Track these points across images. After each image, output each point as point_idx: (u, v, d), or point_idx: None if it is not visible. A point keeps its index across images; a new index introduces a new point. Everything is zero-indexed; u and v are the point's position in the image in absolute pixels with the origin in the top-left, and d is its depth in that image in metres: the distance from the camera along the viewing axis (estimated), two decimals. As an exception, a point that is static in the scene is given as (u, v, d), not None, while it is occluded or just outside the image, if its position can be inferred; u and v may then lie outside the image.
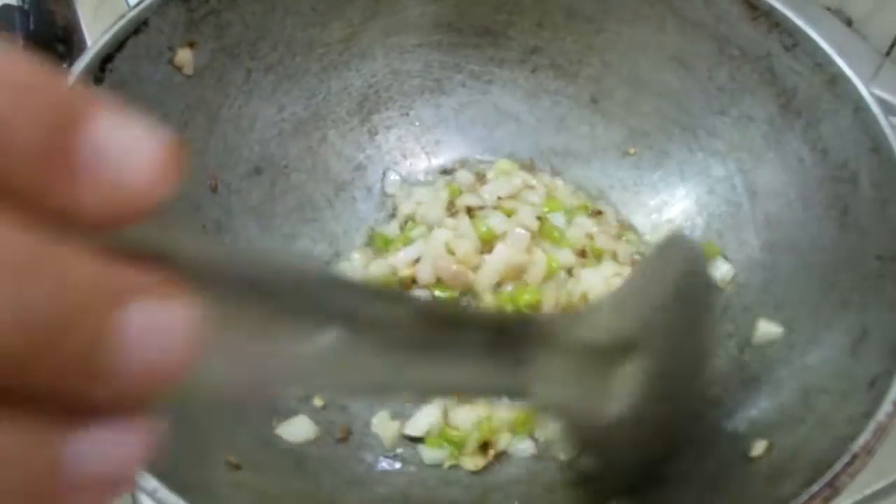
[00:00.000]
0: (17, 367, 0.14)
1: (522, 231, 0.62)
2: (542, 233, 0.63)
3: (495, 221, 0.63)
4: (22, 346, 0.14)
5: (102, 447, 0.16)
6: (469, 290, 0.62)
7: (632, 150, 0.69)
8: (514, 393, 0.33)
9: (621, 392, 0.39)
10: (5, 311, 0.14)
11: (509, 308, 0.61)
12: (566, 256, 0.62)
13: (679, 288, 0.43)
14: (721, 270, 0.61)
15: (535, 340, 0.33)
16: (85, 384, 0.16)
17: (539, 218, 0.63)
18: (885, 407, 0.43)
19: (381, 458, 0.57)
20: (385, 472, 0.56)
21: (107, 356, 0.15)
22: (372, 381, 0.27)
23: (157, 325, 0.16)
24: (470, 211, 0.64)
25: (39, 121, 0.15)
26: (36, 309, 0.14)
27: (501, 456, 0.57)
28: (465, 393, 0.39)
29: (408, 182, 0.71)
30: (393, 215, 0.69)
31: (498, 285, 0.61)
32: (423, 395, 0.41)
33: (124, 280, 0.16)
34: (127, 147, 0.16)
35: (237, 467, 0.49)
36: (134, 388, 0.16)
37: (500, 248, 0.62)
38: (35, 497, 0.15)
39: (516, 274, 0.62)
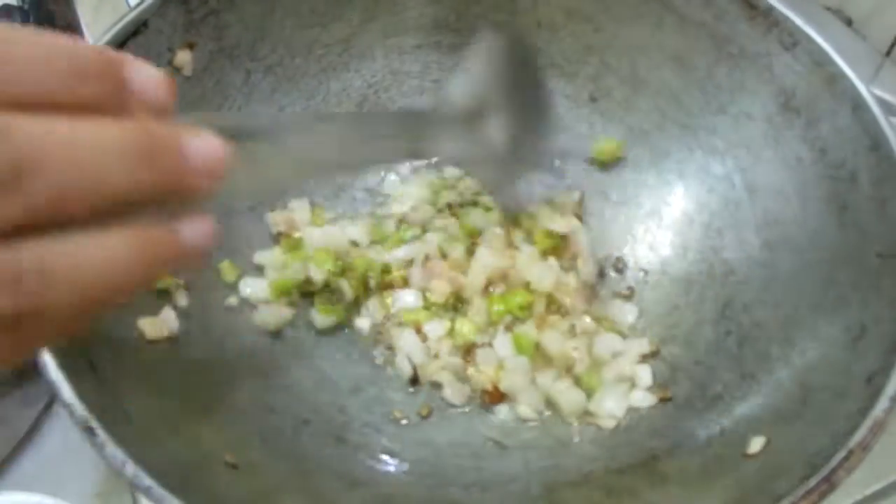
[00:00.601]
0: (154, 180, 0.28)
1: (497, 230, 0.64)
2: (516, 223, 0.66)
3: (475, 218, 0.66)
4: (151, 169, 0.28)
5: (193, 228, 0.30)
6: (460, 294, 0.63)
7: (620, 154, 0.69)
8: (420, 153, 0.58)
9: (495, 135, 0.58)
10: (144, 161, 0.28)
11: (503, 309, 0.62)
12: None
13: (510, 64, 0.59)
14: None
15: (428, 122, 0.55)
16: (177, 180, 0.29)
17: None
18: (882, 403, 0.43)
19: (381, 458, 0.57)
20: (385, 472, 0.56)
21: (183, 162, 0.29)
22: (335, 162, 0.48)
23: (203, 146, 0.30)
24: (451, 208, 0.66)
25: (98, 67, 0.28)
26: (149, 151, 0.28)
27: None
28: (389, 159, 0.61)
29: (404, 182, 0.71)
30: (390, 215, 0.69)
31: (487, 287, 0.63)
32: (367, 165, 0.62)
33: (182, 131, 0.30)
34: (147, 78, 0.29)
35: (234, 467, 0.49)
36: (198, 181, 0.29)
37: (482, 252, 0.63)
38: (163, 260, 0.30)
39: (502, 275, 0.63)
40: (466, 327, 0.62)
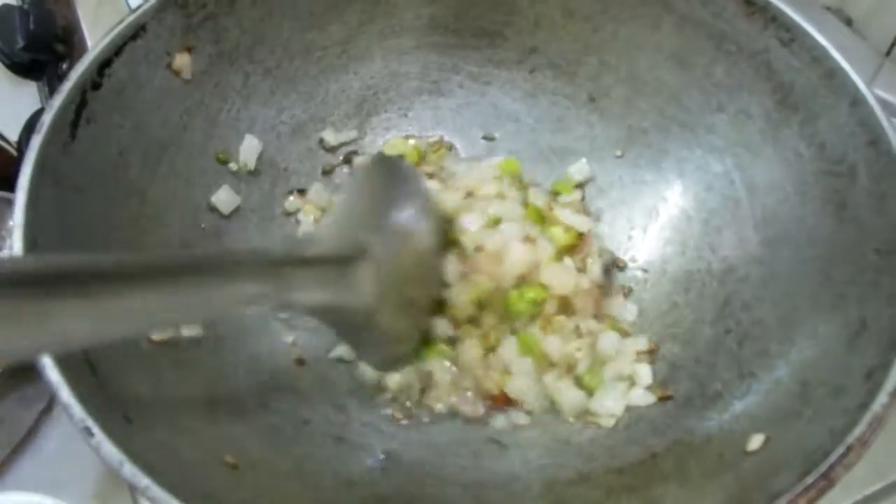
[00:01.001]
0: None
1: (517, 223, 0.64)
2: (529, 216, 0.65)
3: (496, 207, 0.64)
4: None
5: None
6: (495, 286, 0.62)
7: (618, 153, 0.69)
8: (282, 306, 0.49)
9: (368, 285, 0.50)
10: None
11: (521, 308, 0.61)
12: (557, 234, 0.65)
13: (390, 196, 0.54)
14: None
15: (280, 268, 0.45)
16: None
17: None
18: (881, 398, 0.43)
19: (381, 458, 0.57)
20: (385, 471, 0.56)
21: None
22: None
23: None
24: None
25: None
26: None
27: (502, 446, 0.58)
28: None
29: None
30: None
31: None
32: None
33: None
34: None
35: (234, 467, 0.49)
36: None
37: (517, 248, 0.62)
38: None
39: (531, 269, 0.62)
40: (473, 351, 0.61)
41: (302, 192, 0.68)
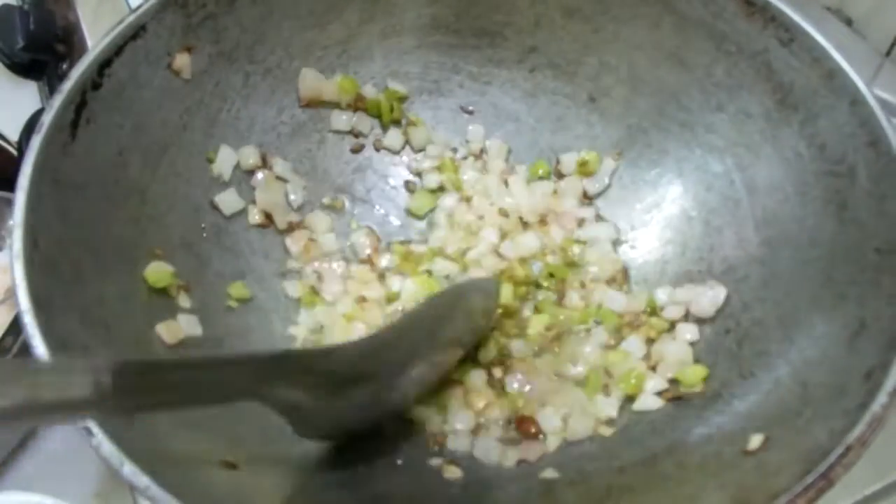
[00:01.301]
0: None
1: None
2: None
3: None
4: None
5: None
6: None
7: (616, 154, 0.69)
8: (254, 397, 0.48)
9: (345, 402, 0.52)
10: None
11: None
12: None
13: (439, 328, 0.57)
14: None
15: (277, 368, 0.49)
16: None
17: None
18: (881, 399, 0.43)
19: (381, 458, 0.57)
20: (385, 472, 0.56)
21: None
22: None
23: None
24: None
25: None
26: None
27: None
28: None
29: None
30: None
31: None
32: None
33: None
34: None
35: (234, 466, 0.49)
36: None
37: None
38: None
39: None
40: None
41: (303, 190, 0.68)
